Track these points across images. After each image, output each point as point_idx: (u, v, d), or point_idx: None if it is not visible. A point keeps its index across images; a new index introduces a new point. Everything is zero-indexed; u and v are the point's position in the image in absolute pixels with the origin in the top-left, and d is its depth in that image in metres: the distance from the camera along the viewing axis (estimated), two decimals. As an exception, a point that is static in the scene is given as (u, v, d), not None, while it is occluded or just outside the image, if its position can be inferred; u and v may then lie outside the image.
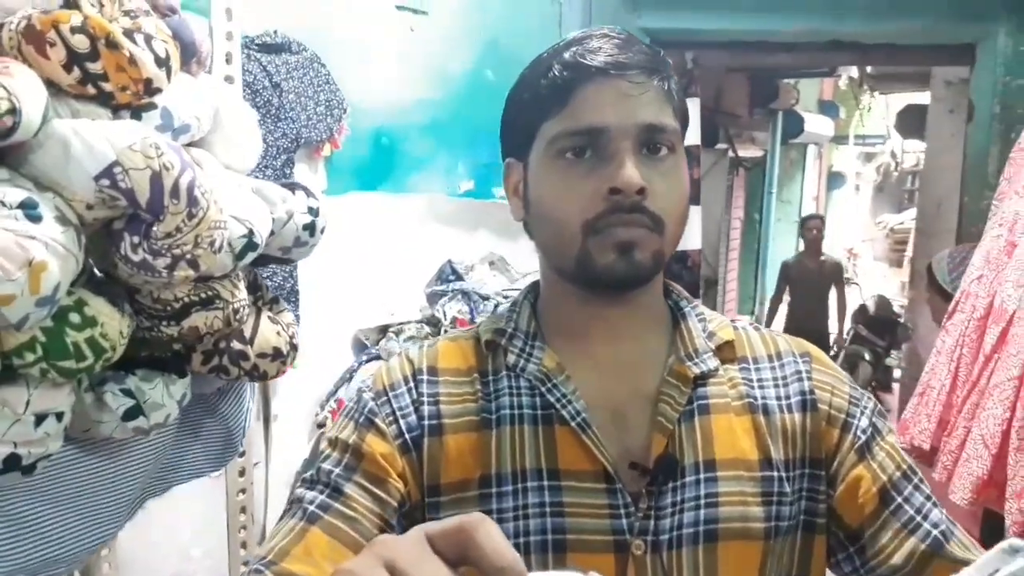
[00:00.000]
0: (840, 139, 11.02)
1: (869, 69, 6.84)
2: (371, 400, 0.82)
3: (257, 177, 1.74)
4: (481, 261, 2.36)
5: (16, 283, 0.82)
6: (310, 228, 1.24)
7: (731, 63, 4.14)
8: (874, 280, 11.02)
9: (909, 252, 9.12)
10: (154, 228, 0.95)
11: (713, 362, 0.84)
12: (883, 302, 6.85)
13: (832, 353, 6.43)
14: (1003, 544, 0.50)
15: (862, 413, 0.85)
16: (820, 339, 5.96)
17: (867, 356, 6.28)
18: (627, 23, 3.62)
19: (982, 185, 3.03)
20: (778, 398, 0.85)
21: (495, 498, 0.79)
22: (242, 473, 1.56)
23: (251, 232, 1.07)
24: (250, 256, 1.09)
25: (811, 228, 6.22)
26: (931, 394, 2.09)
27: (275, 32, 1.90)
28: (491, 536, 0.44)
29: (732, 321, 0.90)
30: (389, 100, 2.34)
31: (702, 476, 0.79)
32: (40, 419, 0.94)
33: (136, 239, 0.96)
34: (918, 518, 0.81)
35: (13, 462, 0.93)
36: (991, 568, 0.50)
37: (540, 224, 0.82)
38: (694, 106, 3.77)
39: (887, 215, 13.00)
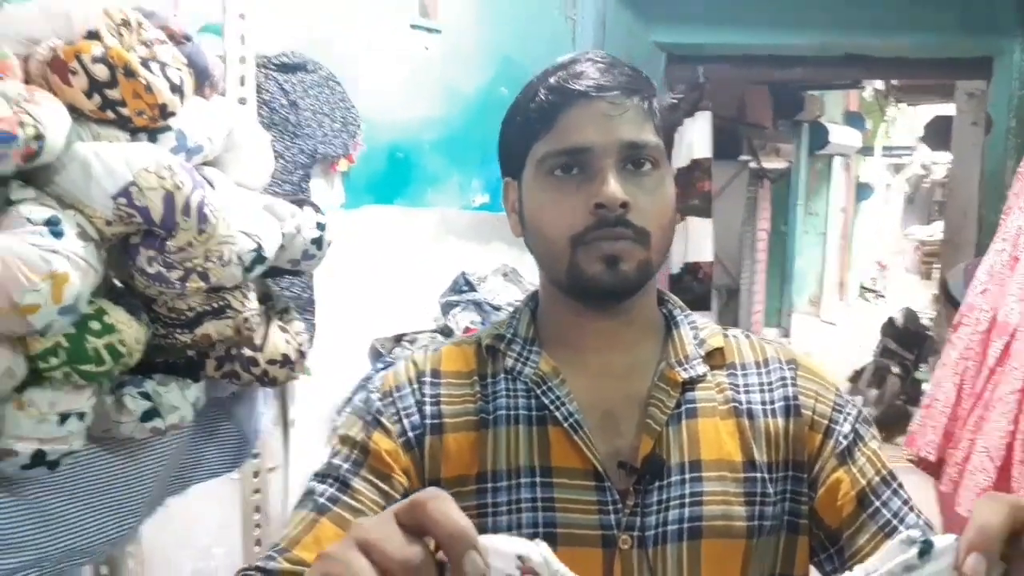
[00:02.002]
0: (867, 151, 10.94)
1: (894, 81, 6.82)
2: (378, 401, 0.87)
3: (275, 191, 1.83)
4: (494, 272, 2.42)
5: (40, 293, 0.90)
6: (318, 242, 1.31)
7: (746, 76, 4.17)
8: (903, 293, 10.91)
9: (938, 264, 9.03)
10: (167, 243, 1.03)
11: (702, 368, 0.87)
12: (911, 315, 6.80)
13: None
14: (902, 535, 0.53)
15: (845, 419, 0.87)
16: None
17: (895, 369, 6.24)
18: (640, 38, 3.68)
19: (999, 198, 3.03)
20: (763, 403, 0.88)
21: (490, 493, 0.83)
22: (256, 475, 1.63)
23: (259, 247, 1.15)
24: (259, 268, 1.16)
25: None
26: (936, 406, 2.11)
27: (292, 52, 1.98)
28: (441, 507, 0.48)
29: (725, 329, 0.94)
30: (404, 116, 2.42)
31: (687, 476, 0.83)
32: (64, 418, 1.02)
33: (151, 253, 1.03)
34: (894, 521, 0.83)
35: (39, 458, 1.01)
36: (890, 558, 0.53)
37: (533, 239, 0.87)
38: (705, 120, 3.80)
39: (916, 227, 12.86)
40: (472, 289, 2.36)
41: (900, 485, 0.86)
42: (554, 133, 0.82)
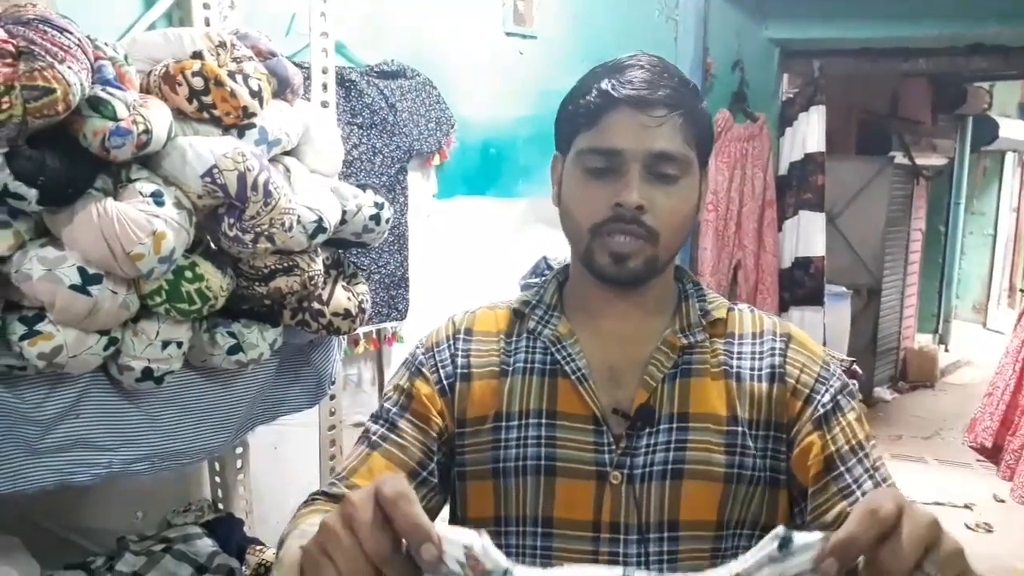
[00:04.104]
0: (1047, 145, 10.06)
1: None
2: (421, 354, 1.06)
3: (374, 182, 2.14)
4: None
5: (145, 246, 1.23)
6: (375, 219, 1.59)
7: (868, 70, 4.11)
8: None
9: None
10: (243, 213, 1.34)
11: (701, 335, 0.99)
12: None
13: None
14: (776, 530, 0.58)
15: (827, 391, 0.97)
16: None
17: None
18: (753, 34, 3.74)
19: None
20: (751, 368, 0.99)
21: (503, 430, 0.98)
22: (331, 428, 1.94)
23: (320, 219, 1.44)
24: (321, 237, 1.45)
25: None
26: (996, 394, 2.12)
27: (392, 61, 2.29)
28: (403, 507, 0.58)
29: (733, 304, 1.07)
30: (497, 116, 2.68)
31: (675, 425, 0.95)
32: (166, 344, 1.35)
33: (231, 220, 1.35)
34: (853, 486, 0.91)
35: (147, 373, 1.35)
36: (760, 550, 0.58)
37: (564, 216, 1.00)
38: (820, 114, 3.81)
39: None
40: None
41: (867, 455, 0.94)
42: (595, 131, 0.93)
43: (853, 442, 0.94)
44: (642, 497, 0.93)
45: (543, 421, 0.97)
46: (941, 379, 7.15)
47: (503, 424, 0.98)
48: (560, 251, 2.70)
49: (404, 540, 0.60)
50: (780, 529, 0.58)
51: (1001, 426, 2.05)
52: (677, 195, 0.94)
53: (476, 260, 2.61)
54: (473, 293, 2.65)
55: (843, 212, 5.89)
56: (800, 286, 3.88)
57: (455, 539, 0.61)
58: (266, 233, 1.35)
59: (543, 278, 1.12)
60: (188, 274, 1.33)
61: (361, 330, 2.28)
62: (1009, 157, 9.14)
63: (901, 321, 6.99)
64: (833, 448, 0.94)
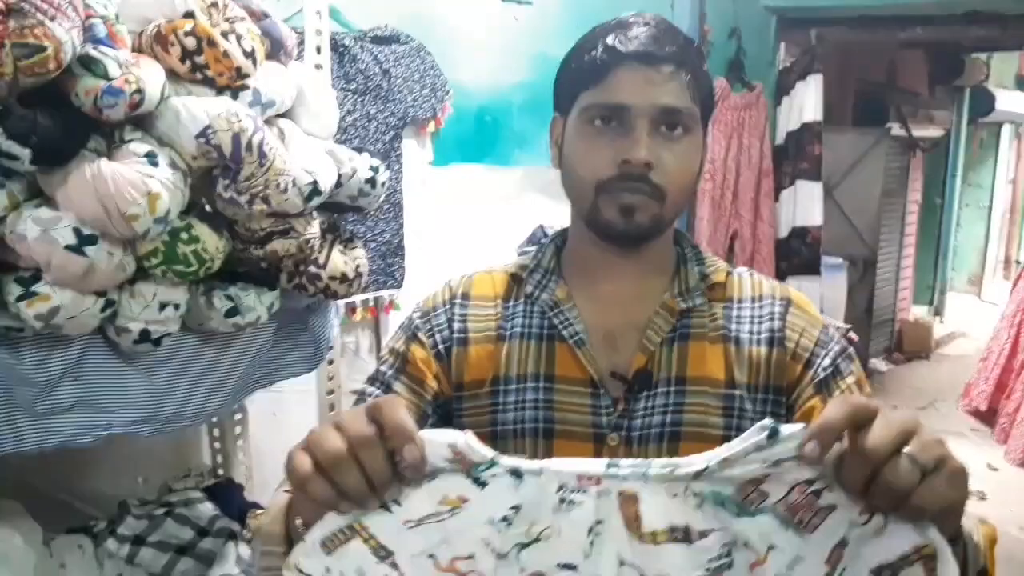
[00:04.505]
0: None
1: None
2: (417, 318, 1.06)
3: (368, 148, 2.13)
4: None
5: (140, 207, 1.22)
6: (371, 182, 1.58)
7: (865, 39, 4.08)
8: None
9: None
10: (237, 174, 1.33)
11: (700, 299, 1.00)
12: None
13: None
14: (762, 422, 0.62)
15: (827, 354, 0.97)
16: None
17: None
18: (750, 2, 3.72)
19: None
20: (750, 332, 0.98)
21: (501, 394, 0.98)
22: (330, 393, 1.94)
23: (315, 181, 1.43)
24: (316, 199, 1.45)
25: None
26: (992, 358, 2.13)
27: (385, 26, 2.27)
28: (390, 410, 0.64)
29: (732, 268, 1.06)
30: (492, 82, 2.66)
31: (672, 389, 0.95)
32: (163, 306, 1.35)
33: (226, 182, 1.34)
34: None
35: (145, 335, 1.35)
36: (746, 440, 0.62)
37: (566, 176, 0.99)
38: (817, 83, 3.79)
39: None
40: (551, 240, 2.58)
41: None
42: (601, 87, 0.92)
43: None
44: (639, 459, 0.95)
45: (541, 385, 0.97)
46: (936, 350, 7.19)
47: (501, 388, 0.99)
48: (556, 220, 2.70)
49: (389, 443, 0.63)
50: (767, 421, 0.60)
51: (996, 390, 2.07)
52: (683, 154, 0.94)
53: (472, 228, 2.60)
54: (469, 261, 2.65)
55: (839, 183, 5.88)
56: (797, 256, 3.88)
57: (439, 439, 0.64)
58: (261, 194, 1.34)
59: (542, 243, 1.11)
60: (184, 236, 1.33)
61: (358, 298, 2.29)
62: (1006, 129, 9.14)
63: (897, 293, 7.02)
64: None
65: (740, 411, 0.95)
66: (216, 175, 1.35)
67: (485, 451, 0.65)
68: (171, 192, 1.26)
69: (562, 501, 0.65)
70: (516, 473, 0.65)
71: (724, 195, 3.67)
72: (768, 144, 3.86)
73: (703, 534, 0.64)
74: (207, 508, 1.82)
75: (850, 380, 0.97)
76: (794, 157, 3.88)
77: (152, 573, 1.66)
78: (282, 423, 2.20)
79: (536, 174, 2.73)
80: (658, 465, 0.66)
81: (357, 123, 2.19)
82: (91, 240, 1.23)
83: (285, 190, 1.37)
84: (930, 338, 7.16)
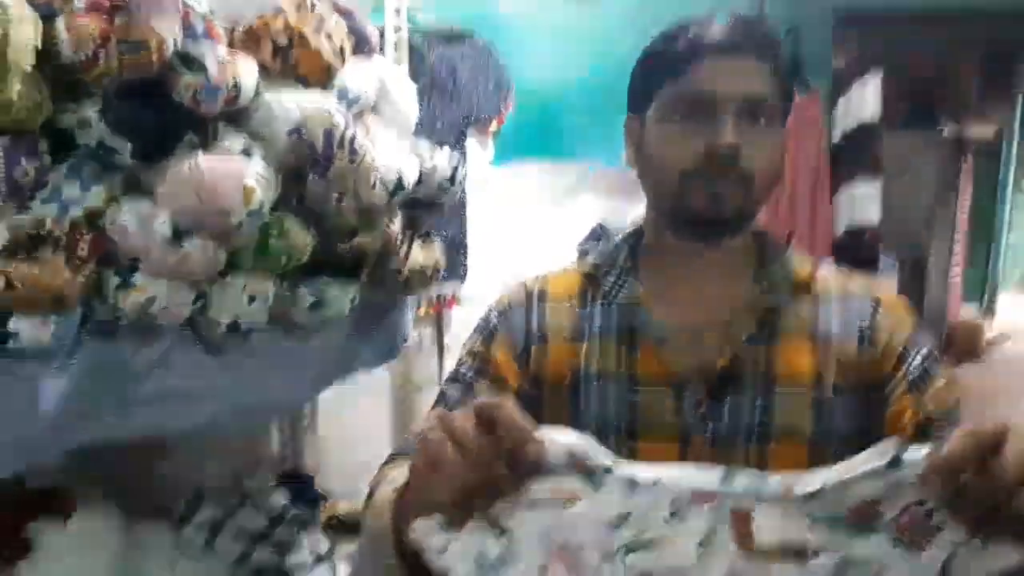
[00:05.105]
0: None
1: None
2: (495, 318, 1.04)
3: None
4: (631, 224, 2.61)
5: (235, 200, 1.24)
6: (451, 178, 1.60)
7: (922, 38, 4.01)
8: None
9: None
10: (328, 170, 1.35)
11: (786, 298, 0.96)
12: None
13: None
14: (884, 446, 0.61)
15: (917, 354, 0.95)
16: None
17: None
18: (807, 1, 3.66)
19: None
20: (839, 331, 0.95)
21: (583, 393, 0.96)
22: (402, 385, 1.96)
23: (400, 176, 1.45)
24: (400, 194, 1.47)
25: None
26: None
27: (453, 27, 2.28)
28: (507, 410, 0.63)
29: (819, 266, 1.02)
30: (553, 78, 2.66)
31: (760, 388, 0.93)
32: (252, 299, 1.37)
33: (316, 176, 1.36)
34: None
35: (234, 327, 1.38)
36: (869, 464, 0.61)
37: (647, 169, 0.96)
38: (875, 83, 3.73)
39: None
40: (608, 239, 2.57)
41: (959, 420, 0.92)
42: (684, 78, 0.90)
43: (943, 410, 0.93)
44: (728, 460, 0.88)
45: (624, 384, 0.96)
46: (987, 352, 7.04)
47: (582, 387, 0.98)
48: (614, 220, 2.69)
49: (506, 443, 0.62)
50: (891, 445, 0.59)
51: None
52: (770, 141, 0.92)
53: (531, 226, 2.61)
54: (530, 258, 2.67)
55: (891, 184, 5.78)
56: (855, 255, 3.81)
57: (559, 439, 0.63)
58: (351, 190, 1.36)
59: (607, 243, 1.09)
60: (274, 230, 1.35)
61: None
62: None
63: (945, 293, 6.88)
64: (924, 414, 0.92)
65: (829, 412, 0.93)
66: (306, 170, 1.37)
67: (603, 458, 0.65)
68: (264, 187, 1.28)
69: (673, 514, 0.65)
70: (631, 483, 0.65)
71: (781, 195, 3.62)
72: (825, 143, 3.81)
73: (816, 553, 0.63)
74: (280, 498, 1.85)
75: (939, 383, 0.94)
76: (851, 157, 3.82)
77: (230, 561, 1.69)
78: (348, 417, 2.22)
79: (595, 173, 2.72)
80: (774, 483, 0.64)
81: (423, 122, 2.20)
82: (187, 233, 1.25)
83: (374, 185, 1.38)
84: (981, 340, 7.01)
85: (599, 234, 2.54)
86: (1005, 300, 8.20)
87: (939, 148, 6.00)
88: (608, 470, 0.64)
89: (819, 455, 0.91)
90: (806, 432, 0.92)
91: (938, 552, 0.61)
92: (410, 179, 1.47)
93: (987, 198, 7.82)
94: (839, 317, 0.97)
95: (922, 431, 0.91)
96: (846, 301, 0.98)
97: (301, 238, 1.38)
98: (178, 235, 1.25)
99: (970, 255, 7.36)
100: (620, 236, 1.09)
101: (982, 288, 7.95)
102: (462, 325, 2.53)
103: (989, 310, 7.90)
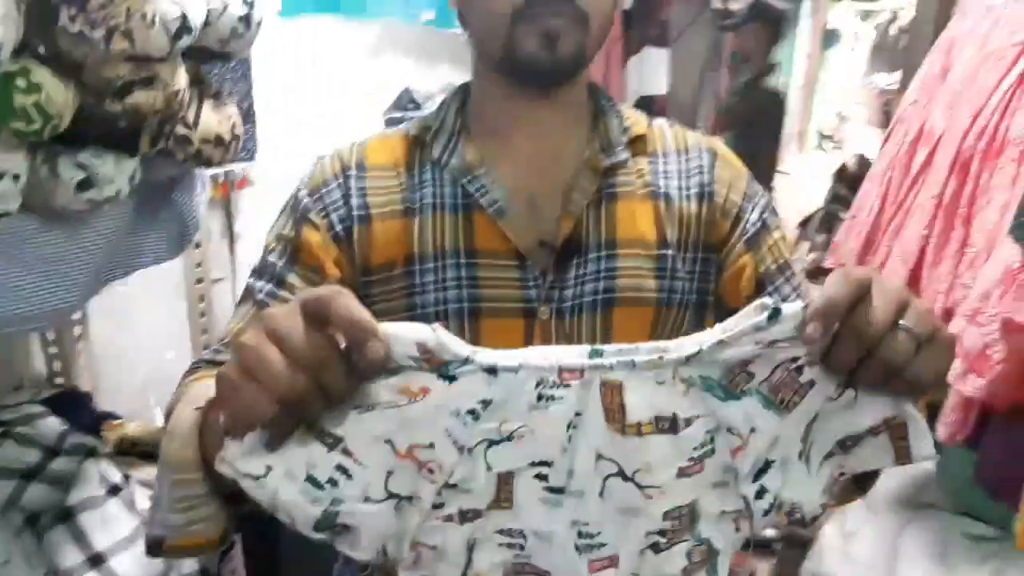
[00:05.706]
0: (836, -6, 10.67)
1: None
2: (306, 198, 0.91)
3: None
4: (440, 91, 2.41)
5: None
6: (245, 20, 1.30)
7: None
8: (862, 143, 10.95)
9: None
10: (88, 1, 1.02)
11: (624, 154, 0.93)
12: (864, 161, 6.84)
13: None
14: (756, 301, 0.58)
15: (754, 208, 0.94)
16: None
17: (843, 215, 6.39)
18: None
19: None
20: (679, 188, 0.94)
21: (418, 274, 0.89)
22: (199, 282, 1.68)
23: (184, 15, 1.14)
24: (186, 39, 1.17)
25: None
26: (861, 216, 2.21)
27: None
28: (343, 302, 0.53)
29: (651, 119, 0.98)
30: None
31: (603, 253, 0.90)
32: (-3, 177, 1.05)
33: (72, 11, 1.03)
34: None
35: (-26, 216, 1.05)
36: (745, 320, 0.58)
37: (474, 12, 0.87)
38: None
39: (878, 75, 12.78)
40: (417, 107, 2.36)
41: (793, 274, 0.95)
42: None
43: (781, 261, 0.94)
44: (572, 330, 0.89)
45: (461, 261, 0.89)
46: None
47: (416, 267, 0.89)
48: (422, 82, 2.47)
49: (344, 341, 0.54)
50: (767, 300, 0.57)
51: (863, 248, 2.14)
52: None
53: (330, 91, 2.32)
54: (328, 130, 2.40)
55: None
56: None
57: (405, 335, 0.55)
58: (122, 28, 1.05)
59: (442, 100, 0.98)
60: (21, 83, 1.02)
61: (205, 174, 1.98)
62: (805, 5, 9.55)
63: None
64: (762, 269, 0.93)
65: (672, 271, 0.92)
66: (57, 3, 1.03)
67: (460, 348, 0.57)
68: (3, 23, 0.94)
69: (540, 398, 0.59)
70: (491, 371, 0.58)
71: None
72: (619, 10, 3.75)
73: (688, 422, 0.60)
74: (53, 423, 1.54)
75: (776, 235, 0.95)
76: (641, 23, 3.81)
77: (-4, 505, 1.39)
78: (128, 320, 1.90)
79: (398, 31, 2.46)
80: (646, 351, 0.60)
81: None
82: None
83: (152, 24, 1.07)
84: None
85: (405, 101, 2.31)
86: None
87: (706, 20, 6.21)
88: (468, 360, 0.57)
89: (662, 319, 0.91)
90: (652, 296, 0.90)
91: (807, 409, 0.60)
92: (197, 19, 1.17)
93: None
94: (679, 173, 0.95)
95: (758, 287, 0.92)
96: (684, 155, 0.96)
97: (59, 95, 1.05)
98: None
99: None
100: (446, 95, 0.99)
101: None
102: (253, 209, 2.24)
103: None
